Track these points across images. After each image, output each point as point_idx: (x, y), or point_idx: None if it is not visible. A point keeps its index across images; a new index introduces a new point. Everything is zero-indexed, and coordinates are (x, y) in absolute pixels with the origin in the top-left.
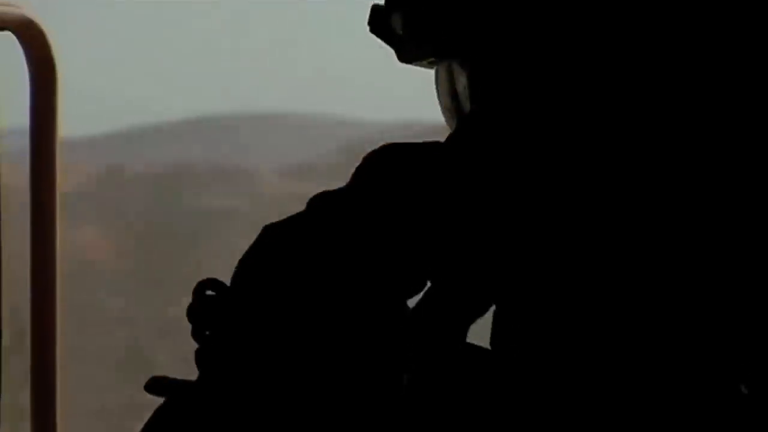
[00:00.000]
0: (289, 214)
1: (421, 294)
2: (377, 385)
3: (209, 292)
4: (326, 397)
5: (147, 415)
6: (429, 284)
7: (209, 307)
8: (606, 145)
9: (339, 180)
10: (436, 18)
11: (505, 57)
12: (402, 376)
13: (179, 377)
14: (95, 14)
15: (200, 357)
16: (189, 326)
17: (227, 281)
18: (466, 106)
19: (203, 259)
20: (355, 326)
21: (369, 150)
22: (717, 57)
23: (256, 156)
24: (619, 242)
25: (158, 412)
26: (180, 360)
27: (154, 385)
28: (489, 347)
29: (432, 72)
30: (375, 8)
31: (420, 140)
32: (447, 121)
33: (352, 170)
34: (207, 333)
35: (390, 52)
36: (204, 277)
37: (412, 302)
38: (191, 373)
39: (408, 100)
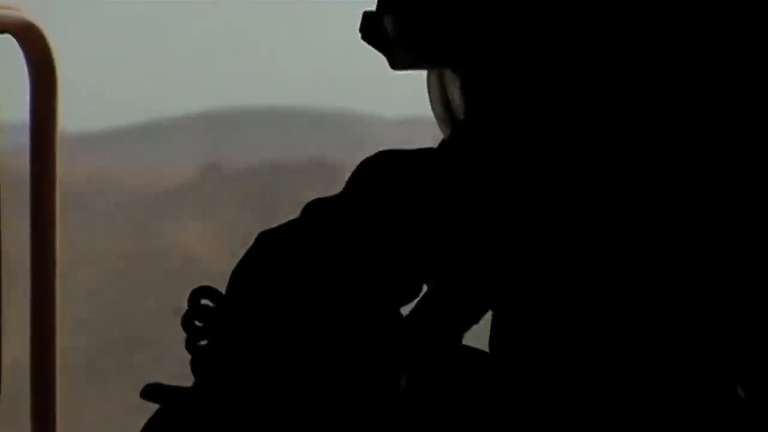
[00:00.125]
0: None
1: (417, 300)
2: (374, 389)
3: (204, 301)
4: (322, 402)
5: None
6: (424, 290)
7: (205, 315)
8: (598, 151)
9: None
10: (428, 26)
11: (498, 65)
12: (399, 380)
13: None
14: (96, 16)
15: (196, 364)
16: None
17: None
18: (459, 113)
19: None
20: (350, 332)
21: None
22: (717, 57)
23: (341, 151)
24: (614, 245)
25: (154, 419)
26: None
27: (150, 392)
28: (487, 350)
29: None
30: (366, 15)
31: (429, 135)
32: (440, 128)
33: None
34: (200, 343)
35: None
36: None
37: (407, 309)
38: None
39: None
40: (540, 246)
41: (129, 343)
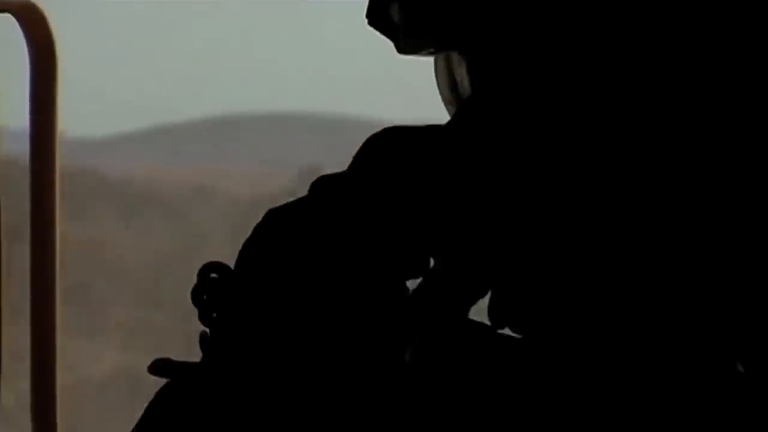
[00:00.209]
0: None
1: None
2: (380, 362)
3: (213, 275)
4: (328, 376)
5: None
6: (431, 265)
7: (213, 290)
8: (601, 129)
9: None
10: (434, 9)
11: (504, 46)
12: (404, 352)
13: None
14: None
15: (204, 339)
16: None
17: None
18: (466, 95)
19: None
20: (356, 306)
21: None
22: (717, 57)
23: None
24: (617, 222)
25: (161, 393)
26: None
27: (159, 367)
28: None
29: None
30: (373, 0)
31: None
32: (447, 110)
33: None
34: (213, 315)
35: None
36: None
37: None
38: None
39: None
40: (543, 222)
41: None
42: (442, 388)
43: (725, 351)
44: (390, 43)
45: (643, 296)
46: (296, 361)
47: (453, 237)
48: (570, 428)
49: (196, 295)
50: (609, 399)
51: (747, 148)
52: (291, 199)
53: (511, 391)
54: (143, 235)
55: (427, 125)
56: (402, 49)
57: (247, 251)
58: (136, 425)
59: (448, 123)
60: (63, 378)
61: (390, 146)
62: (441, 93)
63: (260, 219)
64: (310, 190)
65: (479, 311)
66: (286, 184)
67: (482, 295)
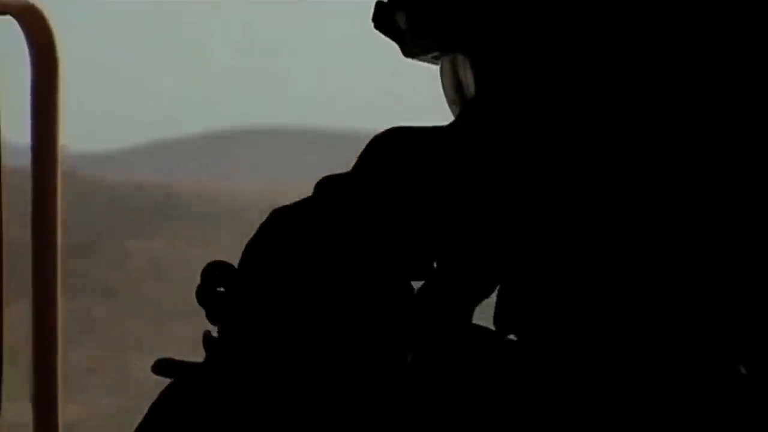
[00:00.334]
0: None
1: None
2: (382, 364)
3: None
4: (330, 377)
5: None
6: (435, 266)
7: (217, 289)
8: (605, 132)
9: None
10: (439, 11)
11: (509, 48)
12: (406, 354)
13: None
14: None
15: (207, 339)
16: None
17: None
18: (470, 95)
19: None
20: (360, 306)
21: None
22: (717, 57)
23: None
24: (620, 223)
25: (164, 393)
26: None
27: (162, 367)
28: (493, 327)
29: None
30: (379, 4)
31: None
32: (452, 111)
33: None
34: (218, 314)
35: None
36: None
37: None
38: None
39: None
40: (547, 222)
41: None
42: (443, 390)
43: (727, 353)
44: (393, 58)
45: (647, 297)
46: (299, 361)
47: (457, 238)
48: None
49: (200, 294)
50: (611, 399)
51: (747, 149)
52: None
53: (513, 395)
54: (210, 249)
55: (431, 126)
56: (407, 52)
57: (252, 251)
58: (140, 425)
59: (452, 123)
60: (131, 391)
61: (394, 146)
62: (446, 94)
63: (265, 219)
64: (314, 190)
65: (486, 319)
66: None
67: (486, 296)
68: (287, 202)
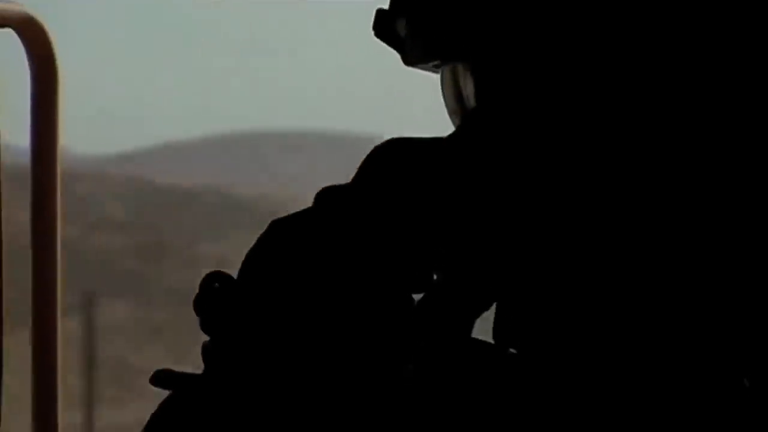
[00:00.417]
0: None
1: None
2: (381, 376)
3: (216, 285)
4: (330, 389)
5: None
6: (435, 278)
7: (215, 300)
8: (607, 143)
9: None
10: (440, 21)
11: (511, 58)
12: (406, 368)
13: None
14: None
15: (206, 350)
16: None
17: None
18: (471, 105)
19: None
20: (359, 319)
21: None
22: (717, 57)
23: None
24: (621, 236)
25: (163, 405)
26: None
27: (161, 378)
28: (492, 341)
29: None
30: (379, 12)
31: None
32: (452, 121)
33: None
34: (216, 325)
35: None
36: None
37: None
38: None
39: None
40: (547, 234)
41: None
42: (444, 403)
43: (731, 366)
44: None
45: (647, 309)
46: (299, 373)
47: (456, 250)
48: None
49: (198, 304)
50: (611, 413)
51: (749, 155)
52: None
53: (513, 408)
54: None
55: (431, 137)
56: (408, 61)
57: (251, 262)
58: None
59: (452, 135)
60: None
61: (394, 158)
62: (446, 104)
63: (265, 229)
64: (314, 201)
65: (486, 332)
66: None
67: (486, 308)
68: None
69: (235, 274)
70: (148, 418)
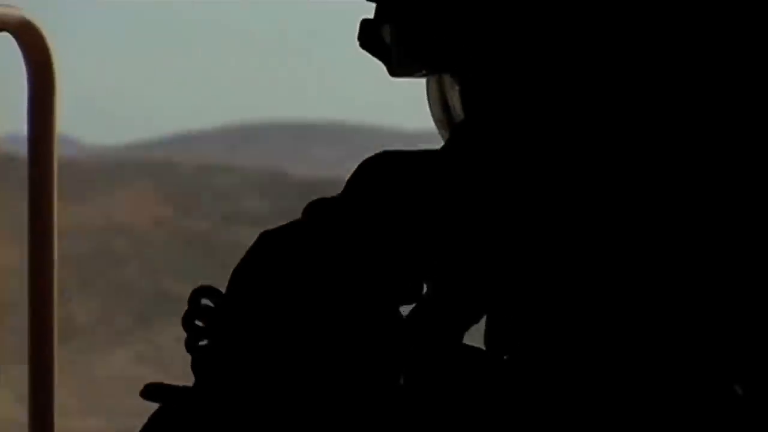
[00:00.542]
0: None
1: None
2: (373, 388)
3: (205, 300)
4: (322, 401)
5: None
6: (425, 290)
7: (205, 315)
8: (595, 154)
9: None
10: (426, 32)
11: (496, 69)
12: (398, 377)
13: None
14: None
15: (197, 363)
16: None
17: None
18: (457, 116)
19: None
20: (350, 331)
21: None
22: (717, 57)
23: None
24: (613, 246)
25: (154, 418)
26: None
27: (151, 391)
28: (483, 347)
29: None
30: (364, 23)
31: None
32: (439, 131)
33: None
34: (201, 343)
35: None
36: None
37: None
38: None
39: None
40: (538, 247)
41: None
42: (436, 413)
43: (724, 373)
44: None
45: (640, 320)
46: (289, 386)
47: (446, 262)
48: None
49: (188, 320)
50: (603, 419)
51: (747, 153)
52: None
53: (505, 416)
54: None
55: (421, 150)
56: (394, 72)
57: (240, 275)
58: None
59: (442, 148)
60: None
61: (384, 171)
62: (432, 113)
63: (254, 242)
64: (303, 214)
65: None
66: None
67: (476, 321)
68: None
69: None
70: None
